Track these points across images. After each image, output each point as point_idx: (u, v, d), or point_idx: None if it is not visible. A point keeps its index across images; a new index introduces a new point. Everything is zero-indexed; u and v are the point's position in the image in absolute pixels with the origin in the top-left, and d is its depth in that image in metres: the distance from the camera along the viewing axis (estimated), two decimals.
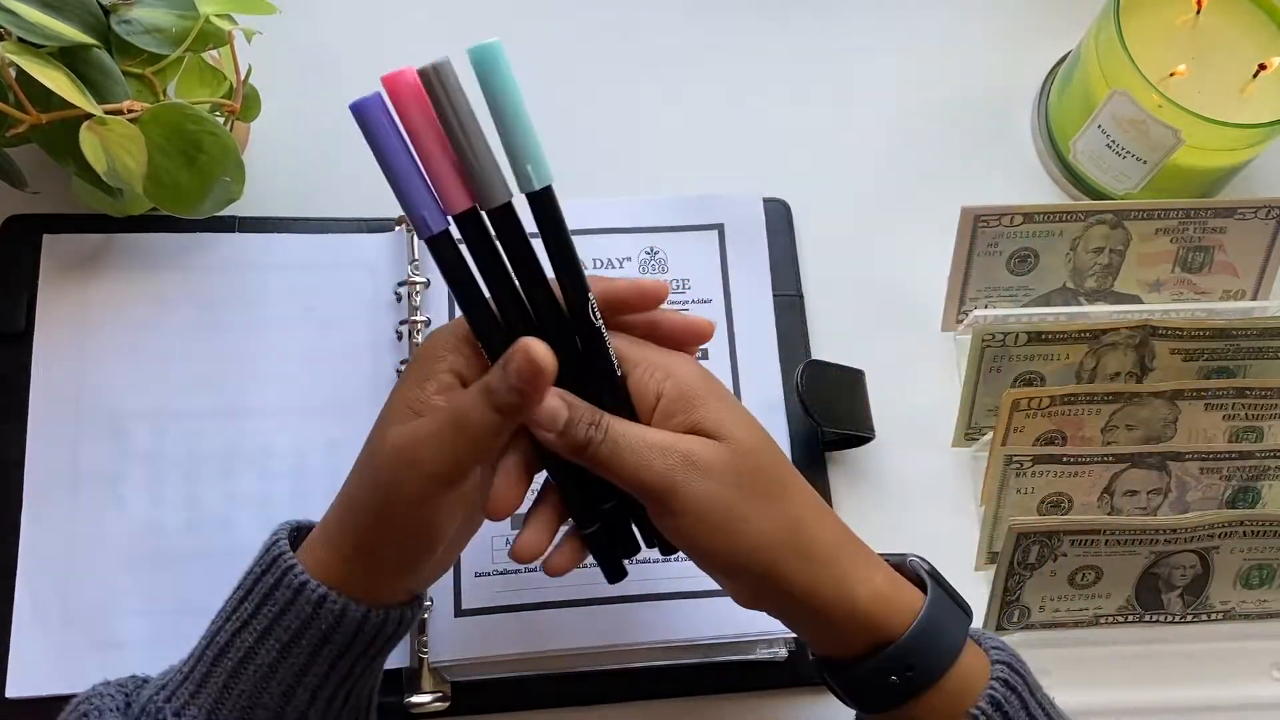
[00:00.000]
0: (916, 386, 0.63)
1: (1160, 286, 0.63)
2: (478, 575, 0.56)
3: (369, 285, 0.61)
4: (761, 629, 0.55)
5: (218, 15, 0.54)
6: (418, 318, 0.59)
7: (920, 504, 0.61)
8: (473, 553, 0.56)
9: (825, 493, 0.60)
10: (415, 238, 0.61)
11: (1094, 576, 0.57)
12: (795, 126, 0.69)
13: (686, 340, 0.46)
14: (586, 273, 0.43)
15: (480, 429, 0.40)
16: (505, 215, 0.41)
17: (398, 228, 0.63)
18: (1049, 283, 0.62)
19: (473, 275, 0.42)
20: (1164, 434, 0.59)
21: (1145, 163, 0.63)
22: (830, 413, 0.58)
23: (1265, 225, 0.61)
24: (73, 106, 0.51)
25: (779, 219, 0.65)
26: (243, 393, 0.59)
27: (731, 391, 0.49)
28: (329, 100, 0.70)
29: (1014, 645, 0.45)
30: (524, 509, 0.45)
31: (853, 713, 0.46)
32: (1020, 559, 0.55)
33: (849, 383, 0.61)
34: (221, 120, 0.56)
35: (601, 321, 0.43)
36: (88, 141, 0.50)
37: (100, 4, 0.53)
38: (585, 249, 0.62)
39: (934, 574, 0.45)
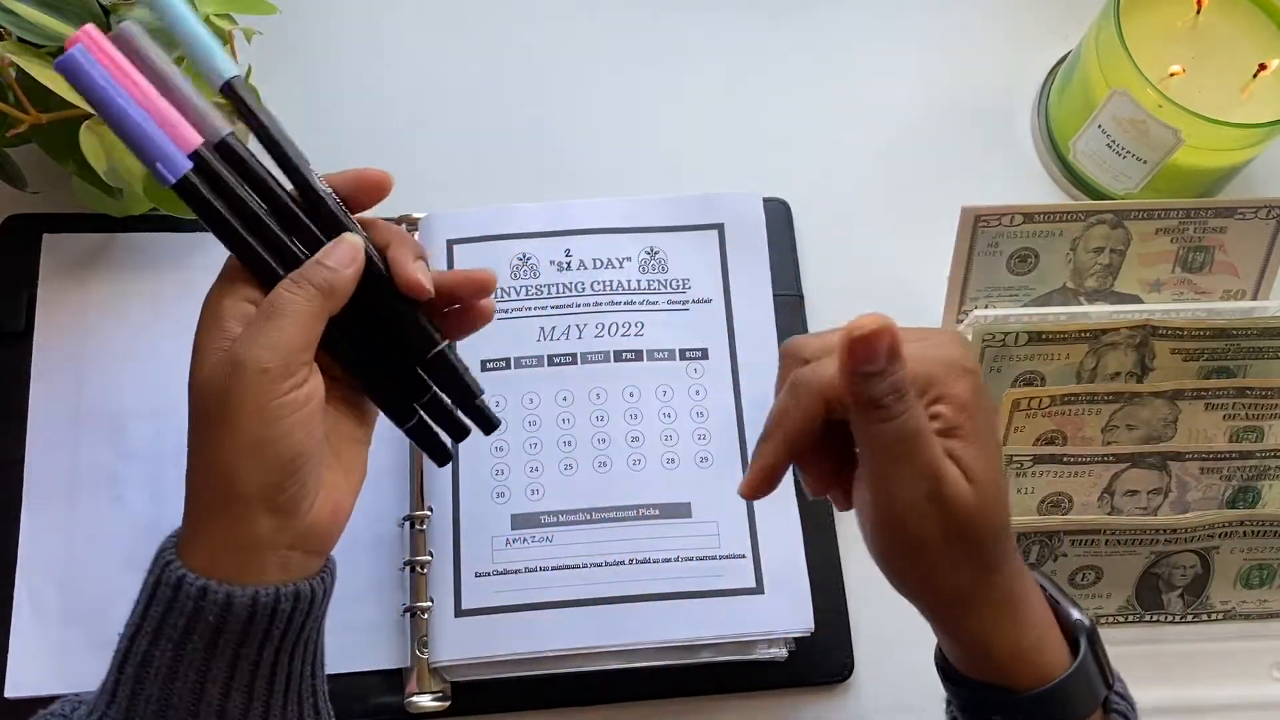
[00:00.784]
0: None
1: (1160, 286, 0.63)
2: (478, 575, 0.56)
3: None
4: (761, 629, 0.55)
5: (217, 15, 0.54)
6: None
7: None
8: (473, 553, 0.56)
9: None
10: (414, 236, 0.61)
11: (1094, 576, 0.57)
12: (795, 126, 0.69)
13: (466, 292, 0.46)
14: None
15: (302, 311, 0.41)
16: (228, 149, 0.42)
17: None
18: (1049, 283, 0.62)
19: (224, 213, 0.42)
20: (1164, 434, 0.59)
21: (1145, 163, 0.63)
22: None
23: (1265, 225, 0.61)
24: (73, 106, 0.51)
25: (779, 219, 0.65)
26: None
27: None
28: (329, 100, 0.71)
29: None
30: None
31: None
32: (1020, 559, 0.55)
33: None
34: None
35: (329, 189, 0.44)
36: (88, 141, 0.50)
37: (100, 4, 0.52)
38: (586, 249, 0.62)
39: (1092, 637, 0.42)
